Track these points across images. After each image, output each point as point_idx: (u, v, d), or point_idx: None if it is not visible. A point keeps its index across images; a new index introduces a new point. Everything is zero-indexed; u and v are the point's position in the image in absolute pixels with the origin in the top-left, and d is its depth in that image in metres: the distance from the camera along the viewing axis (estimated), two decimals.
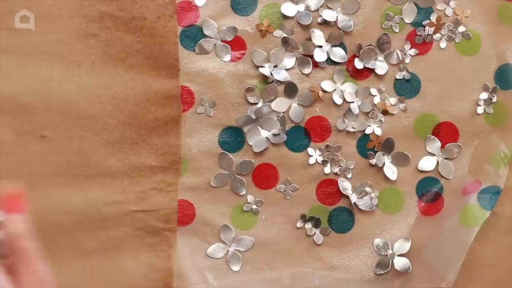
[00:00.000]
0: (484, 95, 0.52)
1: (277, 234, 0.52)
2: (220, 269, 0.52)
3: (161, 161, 0.50)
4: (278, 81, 0.51)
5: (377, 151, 0.52)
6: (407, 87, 0.51)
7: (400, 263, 0.52)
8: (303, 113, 0.51)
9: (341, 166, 0.52)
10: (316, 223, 0.52)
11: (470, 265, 0.51)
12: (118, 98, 0.49)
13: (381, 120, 0.52)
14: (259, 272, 0.52)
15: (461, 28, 0.51)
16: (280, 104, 0.51)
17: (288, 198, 0.52)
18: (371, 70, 0.51)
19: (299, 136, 0.51)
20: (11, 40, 0.48)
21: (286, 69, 0.51)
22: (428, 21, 0.51)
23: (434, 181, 0.53)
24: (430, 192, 0.53)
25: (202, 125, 0.51)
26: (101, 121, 0.49)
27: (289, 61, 0.51)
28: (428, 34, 0.51)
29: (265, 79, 0.50)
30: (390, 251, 0.53)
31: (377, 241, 0.53)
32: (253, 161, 0.51)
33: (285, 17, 0.50)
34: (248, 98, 0.50)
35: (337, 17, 0.50)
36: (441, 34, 0.51)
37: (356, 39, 0.51)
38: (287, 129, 0.51)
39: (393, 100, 0.51)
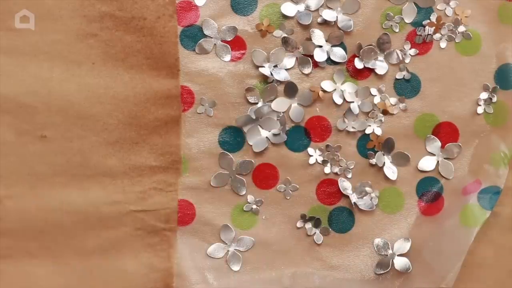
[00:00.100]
0: (484, 95, 0.52)
1: (277, 234, 0.52)
2: (220, 269, 0.52)
3: (161, 161, 0.50)
4: (278, 81, 0.51)
5: (377, 151, 0.52)
6: (407, 87, 0.51)
7: (400, 263, 0.52)
8: (303, 113, 0.51)
9: (341, 166, 0.52)
10: (316, 223, 0.52)
11: (470, 265, 0.51)
12: (118, 98, 0.49)
13: (381, 120, 0.52)
14: (259, 272, 0.52)
15: (461, 28, 0.51)
16: (280, 104, 0.51)
17: (288, 198, 0.52)
18: (371, 70, 0.51)
19: (299, 136, 0.51)
20: (11, 40, 0.48)
21: (286, 69, 0.51)
22: (428, 21, 0.51)
23: (434, 181, 0.53)
24: (430, 192, 0.53)
25: (202, 125, 0.51)
26: (101, 121, 0.49)
27: (289, 61, 0.51)
28: (428, 34, 0.51)
29: (265, 79, 0.50)
30: (390, 251, 0.53)
31: (377, 241, 0.53)
32: (253, 161, 0.51)
33: (285, 17, 0.50)
34: (248, 98, 0.50)
35: (337, 17, 0.50)
36: (441, 34, 0.51)
37: (356, 39, 0.51)
38: (287, 129, 0.51)
39: (393, 100, 0.51)
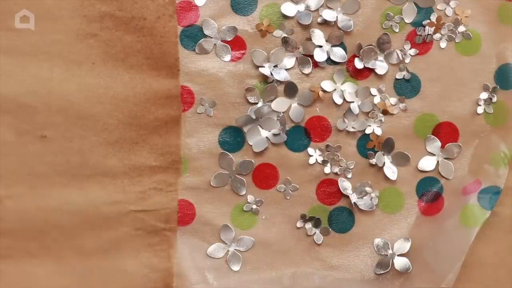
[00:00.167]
0: (484, 95, 0.52)
1: (277, 234, 0.52)
2: (220, 269, 0.52)
3: (161, 161, 0.50)
4: (278, 81, 0.51)
5: (377, 151, 0.52)
6: (407, 87, 0.51)
7: (400, 263, 0.52)
8: (303, 113, 0.51)
9: (341, 166, 0.52)
10: (316, 223, 0.52)
11: (470, 265, 0.51)
12: (118, 98, 0.49)
13: (381, 120, 0.52)
14: (259, 272, 0.52)
15: (461, 28, 0.51)
16: (280, 104, 0.51)
17: (288, 198, 0.52)
18: (371, 70, 0.51)
19: (299, 136, 0.51)
20: (11, 40, 0.48)
21: (286, 69, 0.51)
22: (428, 21, 0.51)
23: (434, 181, 0.53)
24: (430, 192, 0.53)
25: (202, 125, 0.51)
26: (101, 121, 0.49)
27: (289, 61, 0.51)
28: (428, 34, 0.51)
29: (265, 79, 0.50)
30: (390, 251, 0.53)
31: (377, 241, 0.53)
32: (253, 161, 0.51)
33: (285, 17, 0.50)
34: (248, 98, 0.50)
35: (337, 17, 0.50)
36: (441, 34, 0.51)
37: (356, 39, 0.51)
38: (287, 129, 0.51)
39: (393, 100, 0.51)
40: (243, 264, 0.52)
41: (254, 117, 0.51)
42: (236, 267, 0.52)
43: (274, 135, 0.51)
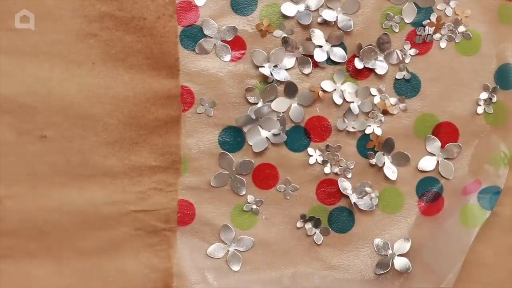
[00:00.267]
0: (484, 95, 0.52)
1: (277, 234, 0.52)
2: (220, 269, 0.52)
3: (161, 161, 0.50)
4: (278, 81, 0.51)
5: (377, 151, 0.52)
6: (407, 87, 0.51)
7: (400, 263, 0.52)
8: (303, 113, 0.51)
9: (341, 166, 0.52)
10: (316, 223, 0.52)
11: (470, 265, 0.51)
12: (118, 98, 0.49)
13: (381, 120, 0.52)
14: (259, 272, 0.52)
15: (461, 28, 0.51)
16: (280, 104, 0.51)
17: (288, 198, 0.52)
18: (371, 70, 0.51)
19: (299, 136, 0.51)
20: (11, 40, 0.48)
21: (286, 69, 0.51)
22: (428, 21, 0.51)
23: (434, 181, 0.53)
24: (430, 192, 0.53)
25: (202, 125, 0.51)
26: (101, 121, 0.49)
27: (289, 61, 0.51)
28: (428, 34, 0.51)
29: (265, 79, 0.50)
30: (390, 251, 0.53)
31: (377, 241, 0.53)
32: (253, 161, 0.51)
33: (285, 17, 0.50)
34: (248, 98, 0.50)
35: (337, 17, 0.50)
36: (441, 34, 0.51)
37: (356, 39, 0.51)
38: (287, 129, 0.51)
39: (393, 100, 0.51)
40: (243, 264, 0.52)
41: (254, 117, 0.51)
42: (236, 267, 0.52)
43: (274, 135, 0.51)
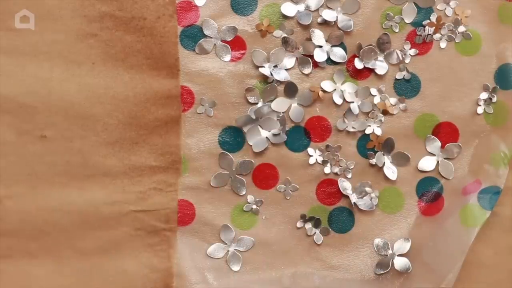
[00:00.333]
0: (484, 95, 0.52)
1: (277, 234, 0.52)
2: (220, 269, 0.52)
3: (161, 161, 0.50)
4: (278, 81, 0.51)
5: (377, 151, 0.52)
6: (407, 87, 0.51)
7: (400, 263, 0.52)
8: (303, 113, 0.51)
9: (341, 166, 0.52)
10: (316, 223, 0.52)
11: (470, 265, 0.51)
12: (118, 98, 0.49)
13: (381, 120, 0.52)
14: (259, 272, 0.52)
15: (461, 28, 0.51)
16: (280, 104, 0.51)
17: (288, 198, 0.52)
18: (371, 70, 0.51)
19: (299, 136, 0.51)
20: (11, 40, 0.48)
21: (286, 69, 0.51)
22: (428, 21, 0.51)
23: (434, 181, 0.53)
24: (430, 192, 0.53)
25: (202, 125, 0.51)
26: (101, 121, 0.49)
27: (289, 61, 0.51)
28: (428, 34, 0.51)
29: (265, 79, 0.50)
30: (390, 251, 0.53)
31: (377, 241, 0.53)
32: (253, 161, 0.51)
33: (285, 17, 0.50)
34: (248, 98, 0.50)
35: (337, 17, 0.50)
36: (441, 34, 0.51)
37: (356, 39, 0.51)
38: (287, 129, 0.51)
39: (393, 100, 0.51)
40: (243, 264, 0.52)
41: (254, 117, 0.51)
42: (236, 267, 0.52)
43: (274, 135, 0.51)
